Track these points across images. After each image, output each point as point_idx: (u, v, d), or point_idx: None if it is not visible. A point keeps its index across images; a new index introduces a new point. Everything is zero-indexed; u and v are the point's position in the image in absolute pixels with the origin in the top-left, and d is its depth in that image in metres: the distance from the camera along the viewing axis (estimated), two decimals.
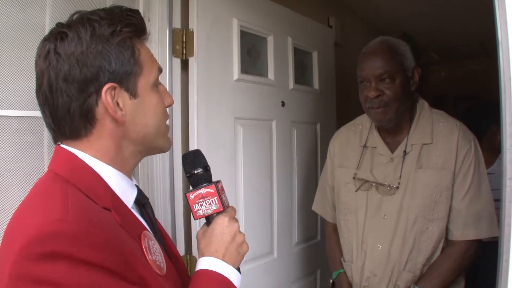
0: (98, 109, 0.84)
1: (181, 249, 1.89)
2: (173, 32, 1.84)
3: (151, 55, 0.93)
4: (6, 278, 0.69)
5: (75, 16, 0.86)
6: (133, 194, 0.92)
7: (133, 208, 0.92)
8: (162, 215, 1.84)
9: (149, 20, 1.79)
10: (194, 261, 1.90)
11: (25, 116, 1.31)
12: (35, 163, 1.34)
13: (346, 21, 3.34)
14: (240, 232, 0.98)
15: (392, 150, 1.68)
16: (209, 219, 0.99)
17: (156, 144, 0.95)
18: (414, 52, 1.69)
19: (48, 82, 0.82)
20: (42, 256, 0.68)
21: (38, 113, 1.32)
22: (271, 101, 2.25)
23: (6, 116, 1.28)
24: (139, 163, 1.03)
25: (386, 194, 1.64)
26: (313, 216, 2.44)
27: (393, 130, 1.68)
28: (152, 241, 0.89)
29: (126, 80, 0.86)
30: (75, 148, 0.86)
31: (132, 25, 0.87)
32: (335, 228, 1.88)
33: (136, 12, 0.90)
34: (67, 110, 0.83)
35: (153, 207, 1.04)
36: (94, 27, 0.83)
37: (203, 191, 0.97)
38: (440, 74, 5.67)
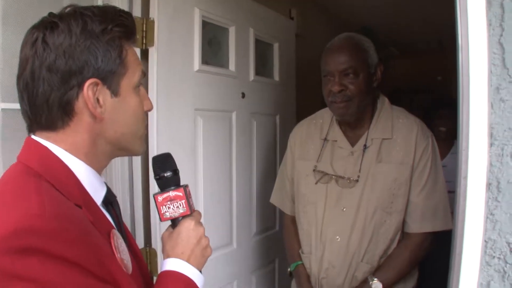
0: (78, 102, 0.84)
1: (140, 241, 1.87)
2: None
3: (137, 58, 0.94)
4: None
5: (68, 9, 0.86)
6: (103, 192, 0.93)
7: (101, 206, 0.92)
8: (121, 209, 1.80)
9: None
10: (153, 254, 1.88)
11: None
12: None
13: (308, 12, 3.36)
14: (205, 236, 1.03)
15: (353, 144, 1.71)
16: (175, 221, 1.01)
17: (131, 146, 0.96)
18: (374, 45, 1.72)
19: (31, 69, 0.82)
20: (18, 251, 0.67)
21: None
22: (231, 92, 2.24)
23: None
24: None
25: (345, 187, 1.67)
26: (272, 206, 2.45)
27: (354, 124, 1.71)
28: (120, 240, 0.90)
29: (109, 78, 0.87)
30: (48, 140, 0.86)
31: (123, 26, 0.88)
32: (293, 220, 1.90)
33: (129, 14, 0.92)
34: (46, 99, 0.83)
35: None
36: (86, 22, 0.84)
37: (171, 193, 0.99)
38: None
